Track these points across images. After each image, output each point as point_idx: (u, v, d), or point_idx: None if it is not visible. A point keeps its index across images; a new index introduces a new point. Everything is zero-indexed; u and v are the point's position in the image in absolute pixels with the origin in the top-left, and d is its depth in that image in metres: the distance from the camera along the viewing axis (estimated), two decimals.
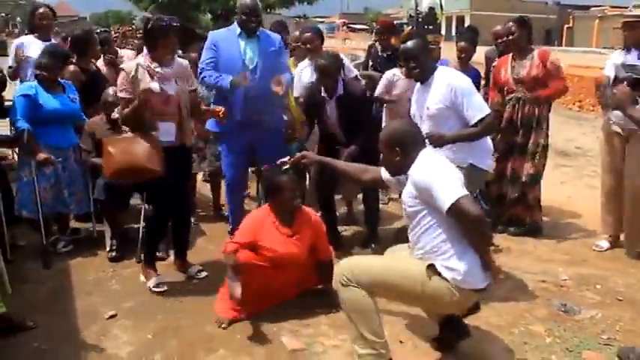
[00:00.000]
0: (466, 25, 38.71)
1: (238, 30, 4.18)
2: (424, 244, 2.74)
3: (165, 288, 3.80)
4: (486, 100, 5.17)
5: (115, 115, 4.16)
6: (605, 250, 4.53)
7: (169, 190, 3.77)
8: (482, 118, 3.46)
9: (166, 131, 3.69)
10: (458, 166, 3.10)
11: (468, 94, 3.48)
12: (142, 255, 4.16)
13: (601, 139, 4.60)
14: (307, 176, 4.97)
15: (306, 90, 4.59)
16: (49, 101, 4.21)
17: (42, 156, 4.06)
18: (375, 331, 2.75)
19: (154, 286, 3.80)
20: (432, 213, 2.69)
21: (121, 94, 3.66)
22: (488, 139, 3.73)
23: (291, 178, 3.48)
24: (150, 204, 4.12)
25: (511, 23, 4.60)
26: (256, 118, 4.17)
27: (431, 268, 2.69)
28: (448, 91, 3.46)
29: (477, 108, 3.47)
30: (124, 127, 3.76)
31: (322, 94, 4.29)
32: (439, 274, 2.67)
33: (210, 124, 4.46)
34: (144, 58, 3.65)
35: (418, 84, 3.71)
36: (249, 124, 4.18)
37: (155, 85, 3.55)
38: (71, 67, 4.71)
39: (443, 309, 2.92)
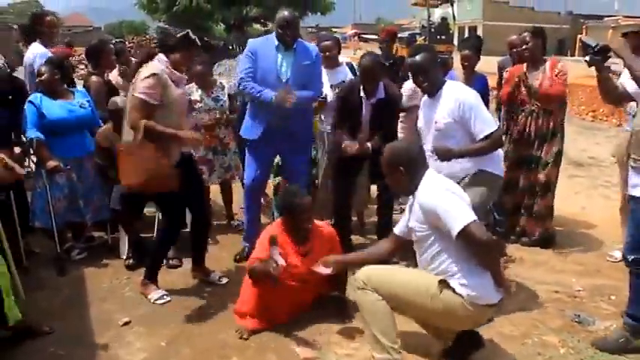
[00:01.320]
0: (479, 34, 38.70)
1: (276, 41, 4.16)
2: (435, 266, 2.80)
3: (169, 299, 3.80)
4: (499, 105, 5.19)
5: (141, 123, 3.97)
6: (619, 261, 4.49)
7: (181, 201, 3.79)
8: (490, 133, 3.43)
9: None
10: (467, 174, 3.28)
11: (476, 108, 3.46)
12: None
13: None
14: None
15: (344, 88, 4.51)
16: (53, 110, 4.21)
17: (51, 164, 4.08)
18: (389, 334, 2.81)
19: (157, 299, 3.79)
20: (441, 237, 2.75)
21: (145, 97, 3.38)
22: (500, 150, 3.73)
23: (307, 200, 3.48)
24: (163, 215, 4.06)
25: (526, 33, 4.59)
26: (284, 127, 4.16)
27: (443, 283, 2.73)
28: (457, 106, 3.44)
29: (485, 123, 3.45)
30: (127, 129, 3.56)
31: (360, 95, 4.24)
32: (453, 290, 2.71)
33: (243, 132, 4.38)
34: (161, 65, 3.51)
35: (425, 97, 3.71)
36: (277, 132, 4.19)
37: (187, 91, 3.55)
38: (94, 78, 4.76)
39: (458, 325, 2.93)
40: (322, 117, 4.88)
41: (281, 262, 3.19)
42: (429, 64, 3.53)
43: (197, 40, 3.64)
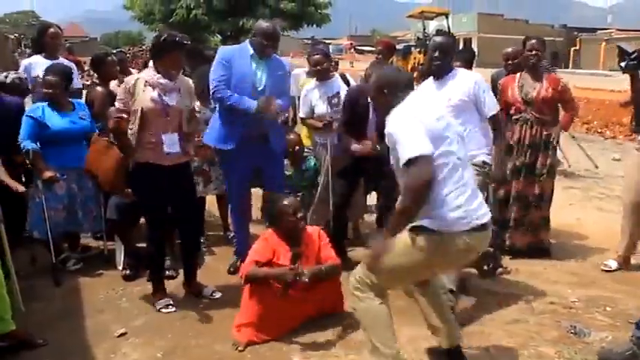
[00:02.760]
0: (474, 46, 38.98)
1: (251, 50, 4.17)
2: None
3: (174, 309, 3.80)
4: None
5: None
6: (614, 271, 4.53)
7: (161, 211, 3.81)
8: (494, 115, 3.86)
9: (171, 142, 3.69)
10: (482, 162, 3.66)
11: (488, 90, 3.89)
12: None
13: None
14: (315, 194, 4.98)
15: (352, 91, 4.53)
16: (57, 121, 4.25)
17: (47, 174, 4.12)
18: (388, 342, 2.81)
19: (162, 308, 3.81)
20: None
21: (115, 104, 3.70)
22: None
23: (291, 202, 3.55)
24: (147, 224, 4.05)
25: (534, 41, 4.61)
26: (260, 137, 4.16)
27: (414, 229, 2.69)
28: (473, 85, 3.79)
29: (493, 103, 3.88)
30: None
31: (368, 100, 4.16)
32: (422, 229, 2.68)
33: (211, 140, 4.33)
34: (148, 71, 3.71)
35: (430, 80, 3.88)
36: (253, 143, 4.17)
37: (155, 95, 3.60)
38: (98, 89, 4.79)
39: (458, 260, 2.91)
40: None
41: (305, 279, 3.31)
42: (450, 47, 3.87)
43: (182, 40, 3.66)
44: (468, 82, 3.81)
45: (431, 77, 3.93)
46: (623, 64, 2.96)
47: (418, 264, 2.75)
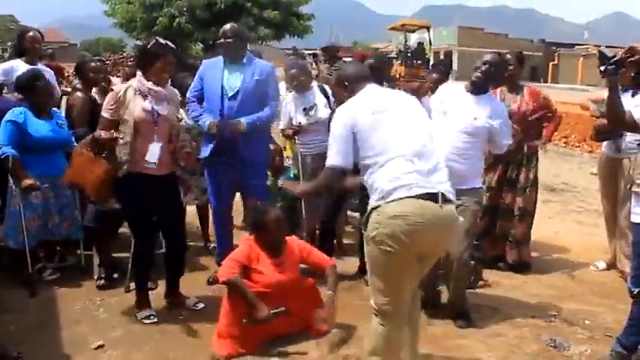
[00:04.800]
0: (454, 59, 39.38)
1: (223, 57, 4.20)
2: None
3: (156, 320, 3.75)
4: None
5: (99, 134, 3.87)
6: (601, 270, 4.65)
7: (149, 221, 3.77)
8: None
9: (153, 152, 3.64)
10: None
11: (508, 122, 3.86)
12: (130, 285, 4.15)
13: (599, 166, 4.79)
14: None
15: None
16: (38, 128, 4.17)
17: (26, 182, 4.01)
18: None
19: (143, 318, 3.75)
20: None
21: (103, 114, 3.63)
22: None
23: (276, 214, 3.55)
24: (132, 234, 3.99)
25: (509, 56, 4.55)
26: (231, 152, 4.12)
27: (366, 221, 2.72)
28: (502, 112, 3.83)
29: (509, 135, 3.89)
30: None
31: None
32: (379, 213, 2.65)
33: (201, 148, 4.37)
34: (136, 80, 3.64)
35: (466, 93, 3.79)
36: (227, 153, 4.15)
37: (148, 106, 3.57)
38: (78, 94, 4.72)
39: (403, 233, 2.61)
40: (297, 140, 4.89)
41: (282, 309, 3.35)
42: (503, 68, 3.94)
43: (168, 44, 3.66)
44: (500, 107, 3.87)
45: (465, 88, 3.83)
46: (602, 67, 3.02)
47: (401, 257, 2.63)
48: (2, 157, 4.03)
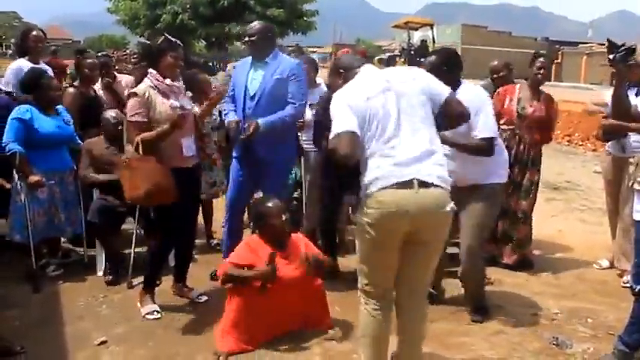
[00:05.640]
0: None
1: (251, 57, 4.18)
2: None
3: (159, 316, 3.76)
4: None
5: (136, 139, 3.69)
6: (604, 269, 4.73)
7: (180, 214, 3.75)
8: (489, 138, 3.52)
9: (189, 147, 3.71)
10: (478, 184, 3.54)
11: (487, 109, 3.57)
12: (133, 281, 4.18)
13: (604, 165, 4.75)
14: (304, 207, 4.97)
15: (323, 101, 4.37)
16: (45, 124, 4.20)
17: (33, 178, 4.05)
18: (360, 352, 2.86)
19: (147, 314, 3.76)
20: None
21: (134, 118, 3.55)
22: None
23: (276, 206, 3.54)
24: (158, 228, 3.90)
25: (542, 58, 4.60)
26: (251, 153, 4.09)
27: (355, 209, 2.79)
28: (476, 99, 3.50)
29: (489, 125, 3.54)
30: (129, 149, 3.64)
31: None
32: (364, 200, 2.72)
33: None
34: (151, 80, 3.61)
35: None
36: (247, 156, 4.13)
37: (176, 103, 3.60)
38: (70, 90, 4.73)
39: (383, 226, 2.71)
40: (302, 136, 4.89)
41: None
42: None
43: (174, 39, 3.71)
44: (470, 95, 3.56)
45: None
46: (611, 56, 3.01)
47: (363, 238, 2.77)
48: (9, 153, 4.05)
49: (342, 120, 2.69)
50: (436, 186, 2.66)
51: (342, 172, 2.87)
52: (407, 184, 2.63)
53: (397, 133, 2.71)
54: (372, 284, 2.84)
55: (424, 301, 2.97)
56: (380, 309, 2.84)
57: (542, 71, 4.59)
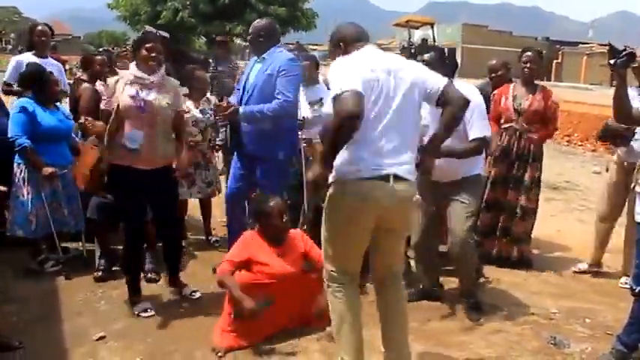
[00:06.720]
0: (458, 56, 39.21)
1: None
2: None
3: (153, 313, 3.75)
4: None
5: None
6: (582, 273, 4.73)
7: (136, 213, 3.77)
8: (482, 137, 3.63)
9: (133, 137, 3.59)
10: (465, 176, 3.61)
11: (480, 109, 3.65)
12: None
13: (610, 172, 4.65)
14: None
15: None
16: (46, 118, 4.21)
17: (48, 170, 4.10)
18: (348, 349, 2.85)
19: (140, 312, 3.76)
20: None
21: (101, 106, 3.79)
22: None
23: (277, 202, 3.54)
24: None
25: (530, 53, 4.65)
26: (241, 144, 4.13)
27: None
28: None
29: (483, 125, 3.65)
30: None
31: None
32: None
33: None
34: (128, 71, 3.71)
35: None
36: (239, 151, 4.18)
37: (132, 92, 3.59)
38: (87, 85, 4.77)
39: (354, 212, 2.76)
40: (302, 135, 4.88)
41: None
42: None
43: (158, 32, 3.73)
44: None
45: None
46: (612, 61, 3.01)
47: (335, 222, 2.82)
48: (19, 148, 4.07)
49: (347, 80, 2.56)
50: (406, 180, 2.75)
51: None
52: (384, 178, 2.70)
53: (386, 118, 2.71)
54: (340, 270, 2.88)
55: (401, 284, 3.05)
56: (349, 294, 2.88)
57: (528, 65, 4.63)
